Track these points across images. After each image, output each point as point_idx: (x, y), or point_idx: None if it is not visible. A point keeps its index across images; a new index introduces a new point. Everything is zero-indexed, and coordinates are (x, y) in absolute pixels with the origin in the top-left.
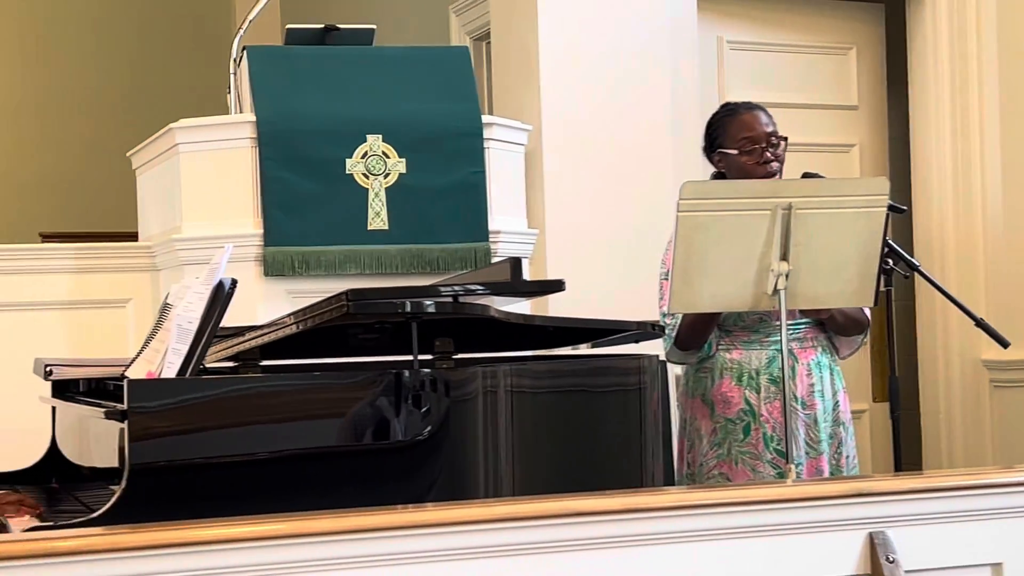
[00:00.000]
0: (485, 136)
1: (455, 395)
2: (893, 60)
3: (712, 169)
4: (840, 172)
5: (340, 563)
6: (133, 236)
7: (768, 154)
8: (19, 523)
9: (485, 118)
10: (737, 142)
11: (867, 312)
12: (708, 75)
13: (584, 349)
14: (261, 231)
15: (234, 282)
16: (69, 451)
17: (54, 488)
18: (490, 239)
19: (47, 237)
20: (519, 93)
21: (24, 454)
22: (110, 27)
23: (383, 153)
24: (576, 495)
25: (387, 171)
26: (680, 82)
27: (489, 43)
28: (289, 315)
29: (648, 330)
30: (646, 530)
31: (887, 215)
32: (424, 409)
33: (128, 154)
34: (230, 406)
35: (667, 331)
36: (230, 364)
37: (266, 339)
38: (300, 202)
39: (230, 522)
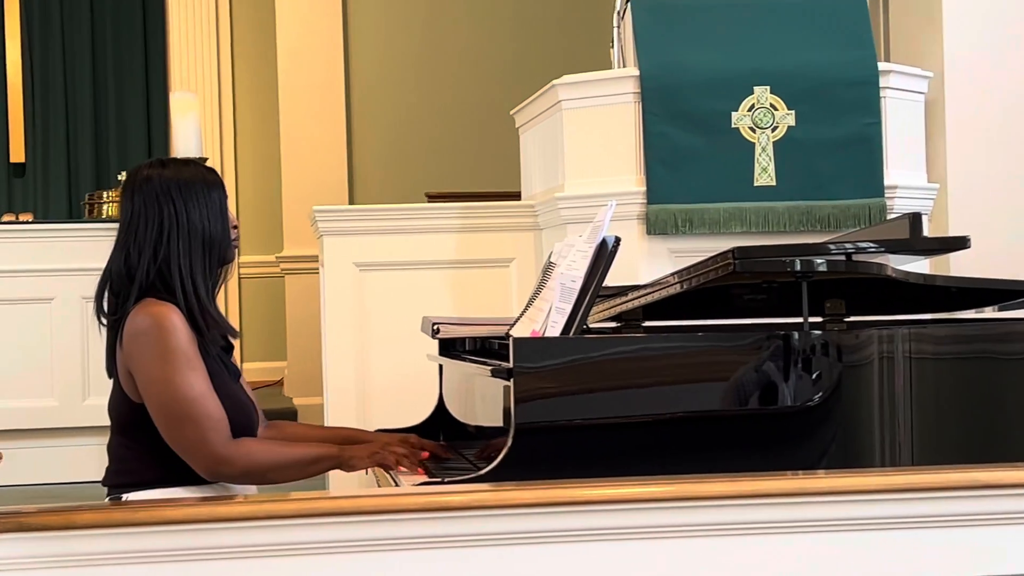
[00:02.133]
0: (881, 85)
1: (848, 360)
2: None
3: None
4: None
5: (729, 528)
6: (516, 195)
7: None
8: (409, 478)
9: (882, 65)
10: None
11: None
12: None
13: (990, 312)
14: (644, 188)
15: (617, 240)
16: (455, 408)
17: (441, 444)
18: (886, 195)
19: (433, 197)
20: (919, 38)
21: (414, 410)
22: None
23: (771, 105)
24: (983, 466)
25: (775, 124)
26: None
27: None
28: (672, 274)
29: None
30: None
31: None
32: (815, 374)
33: (511, 112)
34: (615, 367)
35: None
36: (612, 324)
37: (649, 299)
38: (684, 158)
39: (617, 483)
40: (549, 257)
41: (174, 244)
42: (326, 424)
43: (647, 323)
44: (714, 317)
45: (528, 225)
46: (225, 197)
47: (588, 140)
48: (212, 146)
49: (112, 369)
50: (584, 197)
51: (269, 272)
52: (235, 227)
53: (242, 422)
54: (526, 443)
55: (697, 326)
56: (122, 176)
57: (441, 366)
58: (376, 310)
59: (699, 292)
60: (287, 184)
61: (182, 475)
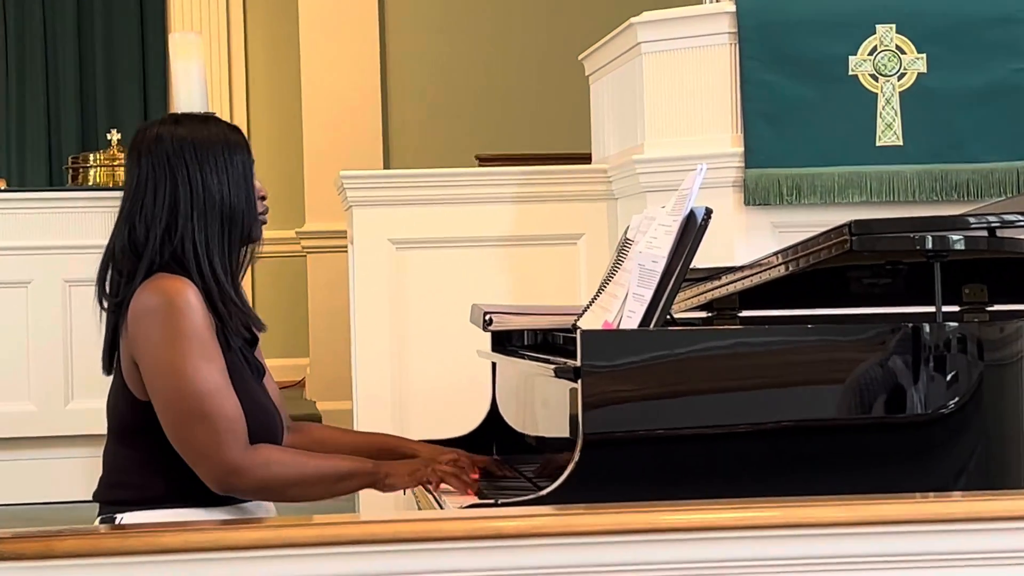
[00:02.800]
0: None
1: (991, 358)
2: None
3: None
4: None
5: (847, 562)
6: (586, 158)
7: None
8: (456, 499)
9: None
10: None
11: None
12: None
13: None
14: (741, 149)
15: (708, 212)
16: (511, 416)
17: (494, 459)
18: None
19: (485, 161)
20: None
21: (461, 417)
22: None
23: (897, 48)
24: None
25: (902, 70)
26: None
27: None
28: (775, 254)
29: None
30: None
31: None
32: (950, 375)
33: (580, 57)
34: (704, 366)
35: None
36: (702, 314)
37: (747, 283)
38: (790, 112)
39: (707, 506)
40: (625, 232)
41: (188, 217)
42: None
43: (744, 313)
44: (826, 306)
45: (600, 194)
46: (251, 162)
47: (673, 91)
48: (220, 98)
49: (111, 363)
50: (668, 160)
51: (288, 251)
52: (263, 198)
53: (262, 430)
54: (596, 457)
55: (805, 317)
56: (112, 135)
57: (494, 364)
58: (416, 297)
59: (808, 275)
60: (309, 145)
61: (192, 493)
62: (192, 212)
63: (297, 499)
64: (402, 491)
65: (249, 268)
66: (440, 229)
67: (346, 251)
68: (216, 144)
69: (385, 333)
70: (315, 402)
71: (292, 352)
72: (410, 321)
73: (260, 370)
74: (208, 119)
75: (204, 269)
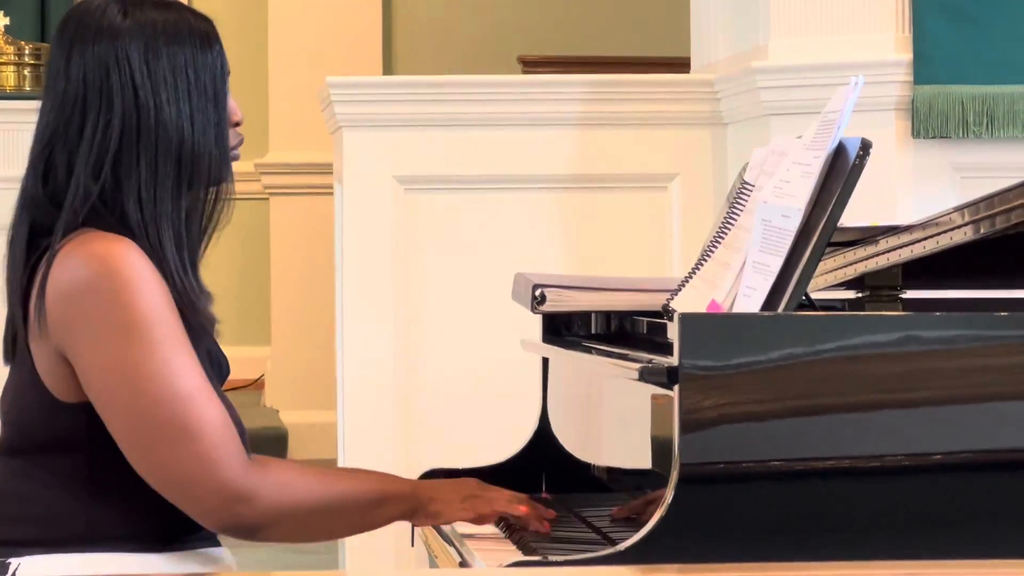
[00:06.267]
0: None
1: None
2: None
3: None
4: None
5: None
6: (679, 64)
7: None
8: (490, 554)
9: None
10: None
11: None
12: None
13: None
14: (908, 57)
15: (865, 146)
16: (569, 436)
17: (543, 499)
18: None
19: (532, 66)
20: None
21: (497, 436)
22: None
23: None
24: None
25: None
26: None
27: None
28: (957, 209)
29: None
30: None
31: None
32: None
33: None
34: (856, 370)
35: None
36: (850, 294)
37: (916, 252)
38: (981, 4)
39: (860, 569)
40: (742, 173)
41: (132, 156)
42: (340, 461)
43: (908, 293)
44: (1017, 286)
45: (702, 116)
46: (224, 71)
47: None
48: None
49: (14, 350)
50: (803, 70)
51: (243, 192)
52: (236, 124)
53: None
54: (697, 498)
55: (999, 301)
56: None
57: (546, 361)
58: (433, 260)
59: (1003, 242)
60: (277, 41)
61: (122, 530)
62: (137, 149)
63: (319, 537)
64: (411, 540)
65: (217, 228)
66: (468, 163)
67: (330, 192)
68: (184, 48)
69: (387, 312)
70: (278, 411)
71: (245, 339)
72: (423, 295)
73: (225, 368)
74: (170, 5)
75: (150, 231)
